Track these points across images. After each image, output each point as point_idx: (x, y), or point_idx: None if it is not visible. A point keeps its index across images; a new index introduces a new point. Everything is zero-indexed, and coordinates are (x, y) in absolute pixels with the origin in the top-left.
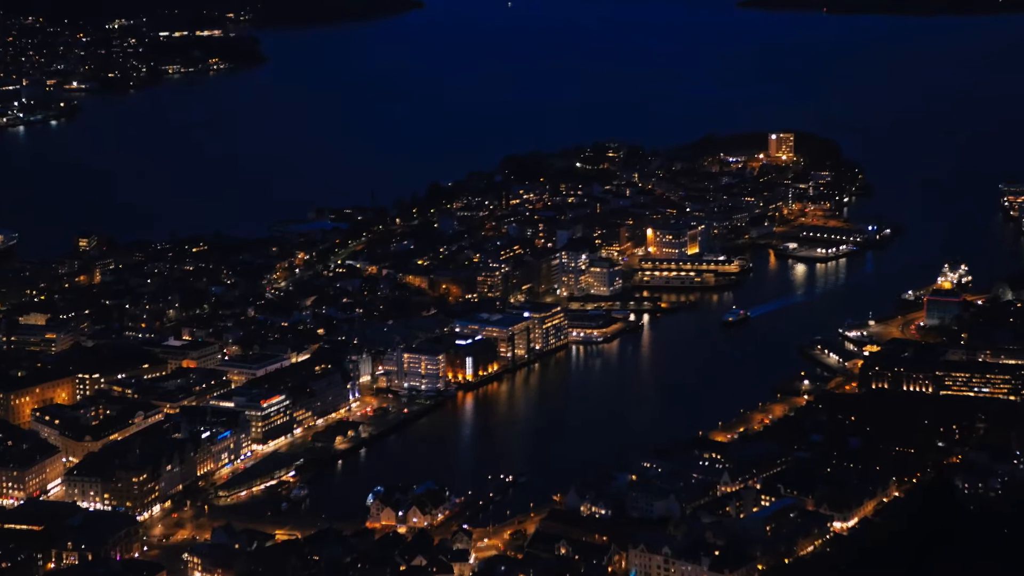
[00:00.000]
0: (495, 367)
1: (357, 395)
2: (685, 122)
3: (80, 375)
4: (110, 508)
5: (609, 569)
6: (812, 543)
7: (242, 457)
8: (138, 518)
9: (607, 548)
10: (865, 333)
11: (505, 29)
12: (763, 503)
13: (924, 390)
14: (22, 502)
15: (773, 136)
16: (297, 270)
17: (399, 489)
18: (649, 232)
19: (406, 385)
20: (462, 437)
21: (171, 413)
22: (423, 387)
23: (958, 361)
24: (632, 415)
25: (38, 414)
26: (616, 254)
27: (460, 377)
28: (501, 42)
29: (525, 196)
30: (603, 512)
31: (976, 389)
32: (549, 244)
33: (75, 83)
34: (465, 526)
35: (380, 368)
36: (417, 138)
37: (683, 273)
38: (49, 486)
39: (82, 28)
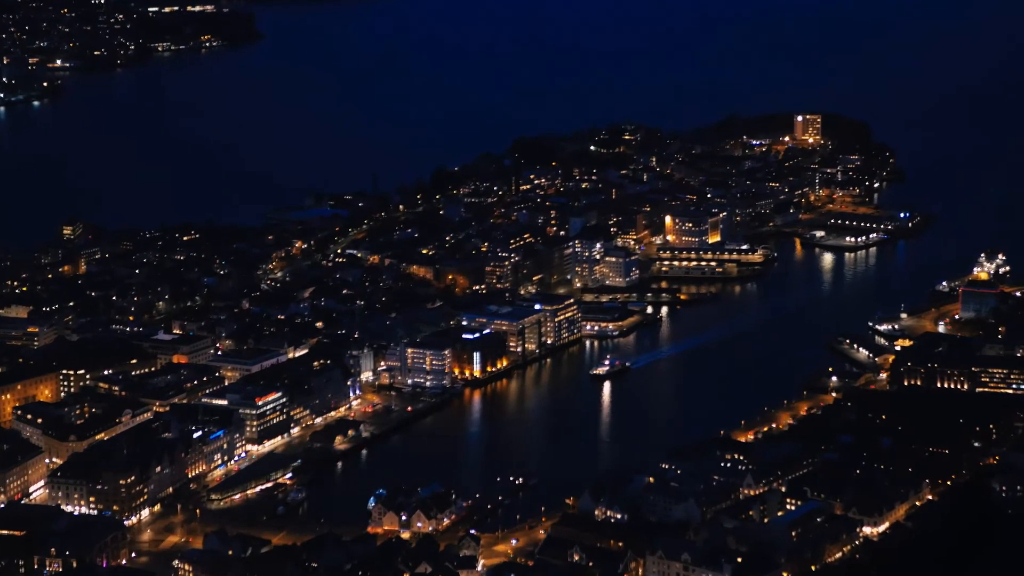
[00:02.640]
0: (504, 363)
1: (358, 392)
2: (706, 103)
3: (64, 371)
4: (96, 512)
5: None
6: (840, 549)
7: (236, 458)
8: (126, 523)
9: (623, 555)
10: (897, 327)
11: (515, 5)
12: (788, 507)
13: (959, 387)
14: (2, 506)
15: (799, 118)
16: (295, 260)
17: (402, 492)
18: (668, 219)
19: (410, 382)
20: (469, 437)
21: (161, 411)
22: (428, 384)
23: (995, 356)
24: (649, 414)
25: (20, 412)
26: (633, 243)
27: (467, 373)
28: (510, 19)
29: (536, 181)
30: (619, 516)
31: (1014, 386)
32: (562, 232)
33: (59, 61)
34: (472, 531)
35: (382, 364)
36: (422, 120)
37: (704, 263)
38: (31, 489)
39: (66, 3)
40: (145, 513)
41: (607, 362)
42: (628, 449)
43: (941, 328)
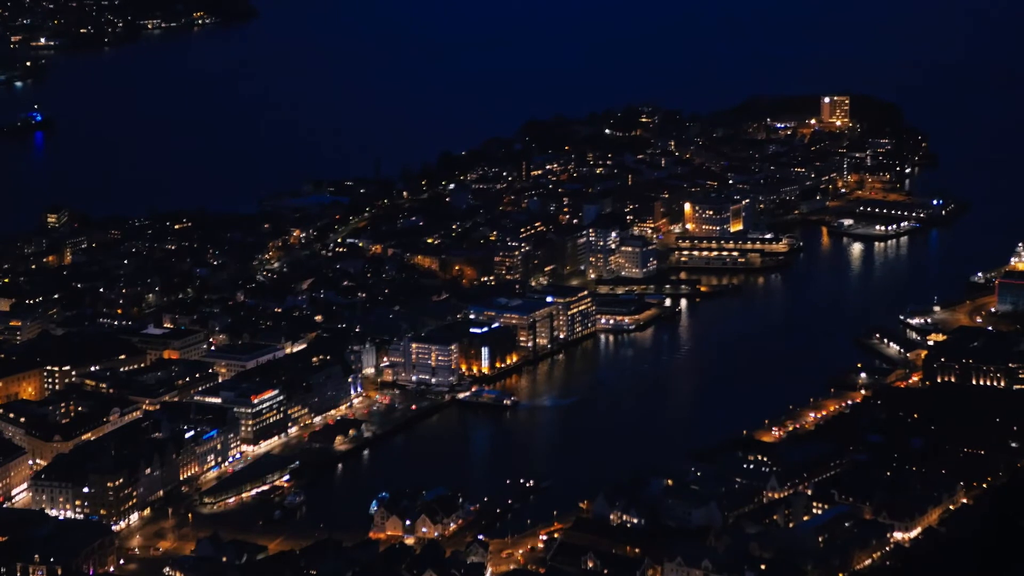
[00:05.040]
0: (514, 358)
1: (359, 390)
2: (727, 83)
3: (48, 367)
4: (82, 516)
5: None
6: (870, 555)
7: (230, 459)
8: (114, 528)
9: (640, 561)
10: (929, 320)
11: None
12: (815, 511)
13: (995, 384)
14: None
15: (826, 99)
16: (292, 250)
17: (406, 495)
18: (687, 207)
19: (414, 378)
20: (477, 437)
21: (150, 410)
22: (433, 381)
23: None
24: (668, 412)
25: (1, 411)
26: (650, 231)
27: (475, 369)
28: None
29: (548, 166)
30: (635, 521)
31: None
32: (575, 220)
33: (43, 40)
34: (480, 537)
35: (385, 359)
36: (427, 101)
37: (725, 253)
38: (14, 492)
39: None
40: (134, 517)
41: (476, 389)
42: (646, 450)
43: (978, 320)
